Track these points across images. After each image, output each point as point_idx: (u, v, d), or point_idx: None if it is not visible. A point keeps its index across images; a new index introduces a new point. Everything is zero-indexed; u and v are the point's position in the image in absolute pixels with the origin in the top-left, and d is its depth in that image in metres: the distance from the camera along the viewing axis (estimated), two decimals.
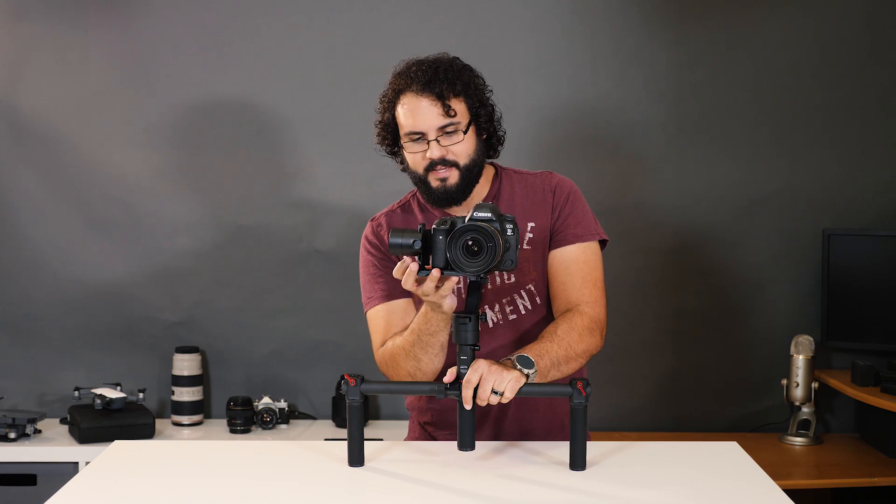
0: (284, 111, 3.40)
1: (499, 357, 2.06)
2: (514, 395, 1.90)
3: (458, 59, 2.20)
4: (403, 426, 3.25)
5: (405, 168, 2.23)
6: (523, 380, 1.93)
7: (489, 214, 1.91)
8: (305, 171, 3.41)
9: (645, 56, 3.40)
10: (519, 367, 1.96)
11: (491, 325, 2.20)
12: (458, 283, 1.96)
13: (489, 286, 2.19)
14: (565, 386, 1.94)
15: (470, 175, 2.16)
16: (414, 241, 1.91)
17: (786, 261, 3.47)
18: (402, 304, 2.20)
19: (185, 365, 3.36)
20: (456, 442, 1.99)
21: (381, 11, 3.37)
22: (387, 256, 2.22)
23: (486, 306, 2.18)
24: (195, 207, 3.41)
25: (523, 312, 2.21)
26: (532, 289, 2.21)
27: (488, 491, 1.85)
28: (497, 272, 2.17)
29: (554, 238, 2.22)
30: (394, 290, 2.19)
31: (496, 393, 1.89)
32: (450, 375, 1.94)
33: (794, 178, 3.44)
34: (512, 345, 2.20)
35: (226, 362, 3.48)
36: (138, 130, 3.40)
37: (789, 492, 1.92)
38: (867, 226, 3.44)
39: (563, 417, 2.21)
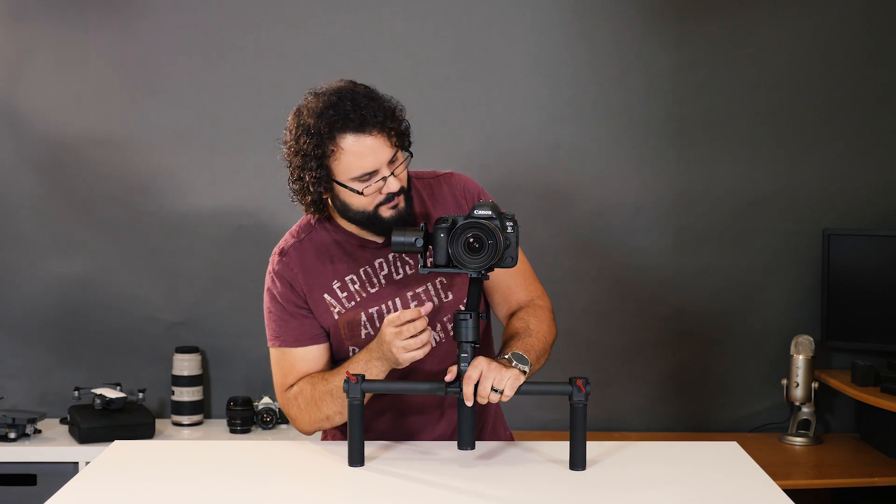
0: (284, 111, 3.39)
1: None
2: (513, 393, 1.90)
3: (354, 83, 2.05)
4: None
5: (321, 212, 2.09)
6: (522, 377, 1.93)
7: (489, 212, 1.92)
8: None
9: (645, 56, 3.40)
10: (516, 364, 1.96)
11: (434, 344, 2.10)
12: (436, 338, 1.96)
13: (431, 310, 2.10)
14: (565, 385, 1.94)
15: (410, 194, 2.09)
16: (416, 240, 1.93)
17: (786, 261, 3.47)
18: (313, 351, 2.11)
19: (185, 365, 3.36)
20: (455, 441, 1.99)
21: (380, 12, 3.37)
22: (301, 301, 2.10)
23: (428, 327, 2.03)
24: (195, 207, 3.41)
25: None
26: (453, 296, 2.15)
27: (488, 491, 1.84)
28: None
29: None
30: (304, 339, 2.10)
31: (496, 391, 1.89)
32: (450, 374, 1.94)
33: (794, 178, 3.44)
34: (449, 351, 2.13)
35: (226, 362, 3.48)
36: (138, 130, 3.40)
37: (789, 492, 1.92)
38: (867, 226, 3.44)
39: (491, 416, 2.24)
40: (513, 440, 2.27)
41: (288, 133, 2.07)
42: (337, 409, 2.05)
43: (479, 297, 1.95)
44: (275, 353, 2.14)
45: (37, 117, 3.38)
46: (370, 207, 2.03)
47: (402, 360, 1.96)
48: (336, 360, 2.15)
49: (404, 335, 1.94)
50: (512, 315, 2.18)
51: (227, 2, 3.37)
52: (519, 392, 1.92)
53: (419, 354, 1.96)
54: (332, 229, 2.13)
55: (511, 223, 1.95)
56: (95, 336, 3.44)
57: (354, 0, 3.37)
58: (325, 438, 2.29)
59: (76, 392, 3.30)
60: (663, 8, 3.39)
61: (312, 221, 2.16)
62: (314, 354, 2.11)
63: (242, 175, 3.41)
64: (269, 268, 2.15)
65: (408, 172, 2.09)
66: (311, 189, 2.03)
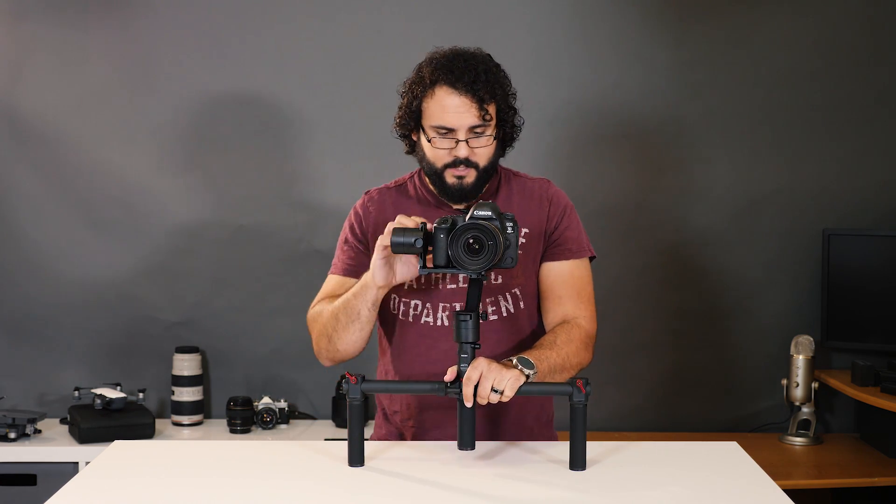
0: (284, 111, 3.40)
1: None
2: (513, 394, 1.91)
3: (491, 57, 2.19)
4: None
5: (414, 153, 2.22)
6: (523, 379, 1.93)
7: (489, 213, 1.92)
8: (305, 172, 3.41)
9: (645, 56, 3.40)
10: (520, 367, 1.96)
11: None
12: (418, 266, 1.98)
13: None
14: (565, 385, 1.94)
15: (486, 177, 2.17)
16: (416, 241, 1.93)
17: (786, 261, 3.47)
18: (352, 282, 2.19)
19: (185, 365, 3.36)
20: (454, 441, 1.99)
21: (381, 11, 3.37)
22: (362, 237, 2.23)
23: (461, 303, 2.15)
24: (195, 207, 3.41)
25: (505, 315, 2.20)
26: (517, 293, 2.20)
27: (488, 491, 1.84)
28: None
29: (549, 250, 2.22)
30: (351, 270, 2.22)
31: (496, 391, 1.89)
32: (450, 374, 1.94)
33: (794, 178, 3.44)
34: (487, 345, 2.16)
35: (226, 362, 3.48)
36: (138, 130, 3.40)
37: (789, 492, 1.92)
38: (867, 226, 3.44)
39: (531, 423, 2.25)
40: (556, 440, 2.28)
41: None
42: (337, 328, 2.12)
43: (478, 298, 1.95)
44: (329, 277, 2.27)
45: (37, 117, 3.38)
46: (438, 164, 2.14)
47: (379, 254, 2.00)
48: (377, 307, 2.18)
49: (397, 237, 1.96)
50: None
51: (227, 2, 3.37)
52: (519, 392, 1.92)
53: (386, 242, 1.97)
54: (419, 186, 2.25)
55: (511, 224, 1.94)
56: (95, 336, 3.44)
57: (354, 0, 3.37)
58: (376, 426, 2.32)
59: (76, 392, 3.30)
60: (663, 8, 3.39)
61: (408, 177, 2.29)
62: (351, 286, 2.17)
63: (243, 175, 3.41)
64: (354, 205, 2.29)
65: (499, 164, 2.21)
66: (402, 121, 2.18)
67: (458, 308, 2.15)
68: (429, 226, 1.97)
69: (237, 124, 3.40)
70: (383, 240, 1.98)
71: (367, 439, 2.02)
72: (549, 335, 2.14)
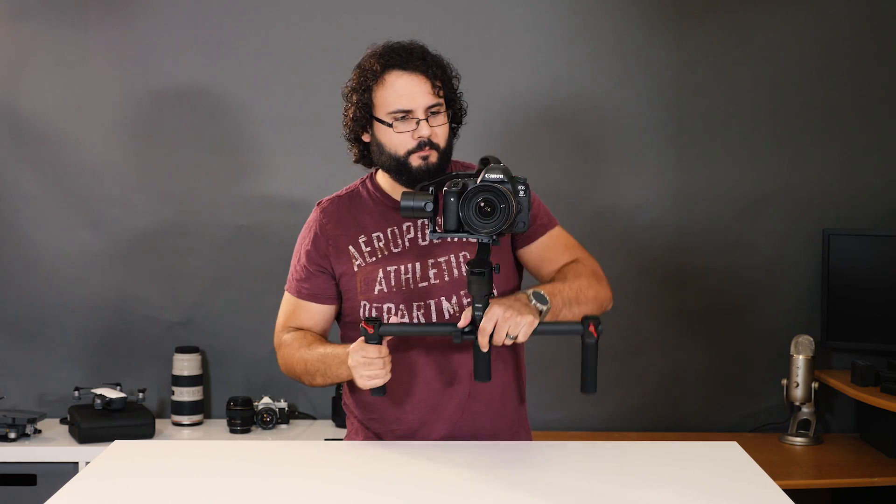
0: (285, 112, 3.40)
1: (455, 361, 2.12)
2: (527, 338, 1.93)
3: (426, 46, 2.17)
4: None
5: (362, 161, 2.21)
6: (536, 323, 1.94)
7: (501, 175, 1.90)
8: (305, 172, 3.41)
9: (645, 56, 3.40)
10: (534, 302, 1.96)
11: (447, 316, 2.15)
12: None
13: (446, 278, 2.14)
14: (576, 324, 1.96)
15: (447, 159, 2.15)
16: (426, 204, 1.92)
17: (786, 261, 3.47)
18: (312, 307, 2.23)
19: (185, 365, 3.36)
20: (454, 442, 1.99)
21: (381, 11, 3.37)
22: (322, 259, 2.21)
23: (443, 297, 2.14)
24: (195, 207, 3.41)
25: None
26: (494, 293, 2.17)
27: (487, 491, 1.84)
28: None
29: (522, 236, 2.20)
30: (307, 294, 2.22)
31: (510, 336, 1.91)
32: (465, 320, 1.94)
33: (794, 178, 3.44)
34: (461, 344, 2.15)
35: (226, 362, 3.48)
36: (138, 130, 3.40)
37: (789, 492, 1.92)
38: (867, 226, 3.44)
39: (510, 418, 2.24)
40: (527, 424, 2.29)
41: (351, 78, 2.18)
42: (308, 379, 2.18)
43: (489, 254, 1.94)
44: (285, 296, 2.27)
45: (37, 117, 3.38)
46: (401, 151, 2.10)
47: (360, 385, 2.03)
48: (345, 314, 2.22)
49: (368, 368, 2.00)
50: None
51: (228, 1, 3.37)
52: (534, 333, 1.93)
53: (377, 384, 2.01)
54: (372, 189, 2.23)
55: (523, 187, 1.92)
56: (95, 336, 3.44)
57: (354, 0, 3.37)
58: (348, 438, 2.31)
59: (76, 392, 3.30)
60: (663, 8, 3.39)
61: (359, 183, 2.27)
62: (314, 311, 2.23)
63: (242, 175, 3.41)
64: (309, 218, 2.28)
65: (451, 142, 2.17)
66: (353, 122, 2.16)
67: (442, 301, 2.14)
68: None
69: (238, 125, 3.39)
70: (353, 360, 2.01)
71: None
72: (558, 275, 2.14)
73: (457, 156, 2.25)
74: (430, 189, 1.93)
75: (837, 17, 3.39)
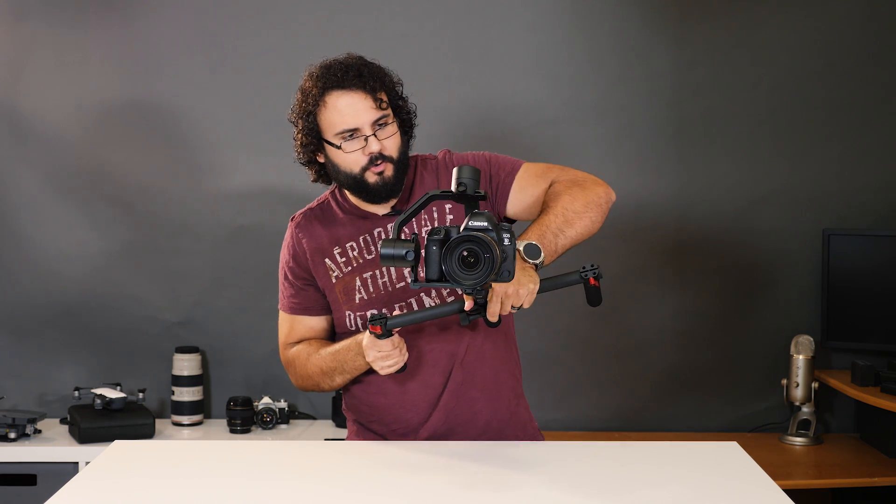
0: (284, 110, 3.39)
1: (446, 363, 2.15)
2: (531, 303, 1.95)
3: (355, 54, 2.17)
4: None
5: (321, 180, 2.22)
6: (537, 288, 1.95)
7: (485, 223, 1.82)
8: (305, 172, 3.40)
9: (645, 56, 3.40)
10: (528, 260, 1.96)
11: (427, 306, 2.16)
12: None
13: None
14: (574, 276, 1.98)
15: (403, 168, 2.15)
16: (406, 253, 1.84)
17: (786, 261, 3.47)
18: (309, 320, 2.26)
19: (185, 365, 3.36)
20: (453, 442, 1.99)
21: (381, 12, 3.37)
22: (304, 273, 2.23)
23: (422, 293, 2.15)
24: (195, 207, 3.41)
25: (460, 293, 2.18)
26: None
27: (487, 491, 1.84)
28: None
29: (499, 195, 2.19)
30: (299, 308, 2.25)
31: (516, 308, 1.95)
32: (469, 302, 1.94)
33: (794, 178, 3.44)
34: (450, 335, 2.17)
35: (226, 362, 3.48)
36: (138, 130, 3.40)
37: (789, 492, 1.92)
38: (867, 226, 3.44)
39: (509, 407, 2.24)
40: (542, 439, 2.28)
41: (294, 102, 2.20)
42: (328, 382, 2.20)
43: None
44: (280, 315, 2.30)
45: (37, 117, 3.38)
46: (356, 169, 2.12)
47: (382, 374, 2.07)
48: (336, 327, 2.24)
49: (386, 360, 2.03)
50: None
51: (228, 2, 3.37)
52: (539, 293, 1.96)
53: (397, 369, 2.06)
54: (342, 200, 2.24)
55: (508, 235, 1.84)
56: (95, 336, 3.44)
57: (354, 0, 3.37)
58: (349, 438, 2.32)
59: (76, 392, 3.30)
60: (663, 8, 3.39)
61: (329, 194, 2.28)
62: (311, 324, 2.26)
63: (242, 175, 3.41)
64: (286, 237, 2.29)
65: (408, 150, 2.18)
66: (303, 147, 2.18)
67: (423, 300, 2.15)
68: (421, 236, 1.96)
69: (238, 124, 3.40)
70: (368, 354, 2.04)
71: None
72: (543, 207, 2.13)
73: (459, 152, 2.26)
74: (413, 236, 1.87)
75: (837, 17, 3.39)
